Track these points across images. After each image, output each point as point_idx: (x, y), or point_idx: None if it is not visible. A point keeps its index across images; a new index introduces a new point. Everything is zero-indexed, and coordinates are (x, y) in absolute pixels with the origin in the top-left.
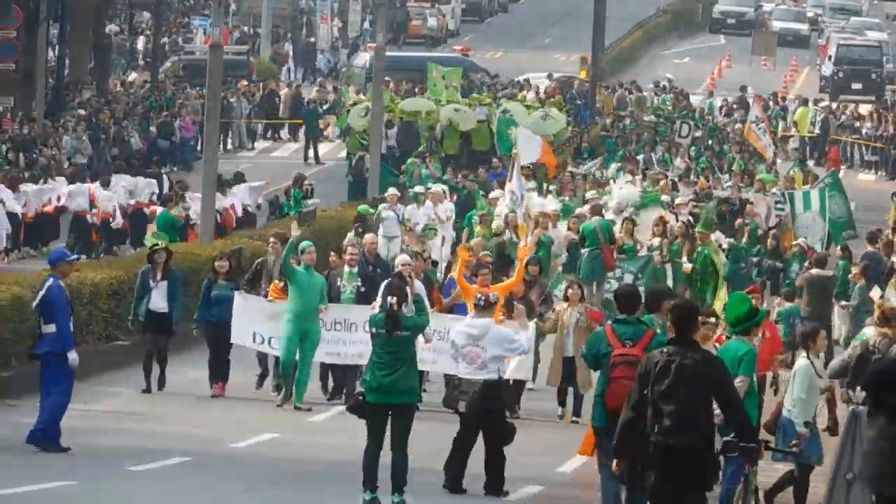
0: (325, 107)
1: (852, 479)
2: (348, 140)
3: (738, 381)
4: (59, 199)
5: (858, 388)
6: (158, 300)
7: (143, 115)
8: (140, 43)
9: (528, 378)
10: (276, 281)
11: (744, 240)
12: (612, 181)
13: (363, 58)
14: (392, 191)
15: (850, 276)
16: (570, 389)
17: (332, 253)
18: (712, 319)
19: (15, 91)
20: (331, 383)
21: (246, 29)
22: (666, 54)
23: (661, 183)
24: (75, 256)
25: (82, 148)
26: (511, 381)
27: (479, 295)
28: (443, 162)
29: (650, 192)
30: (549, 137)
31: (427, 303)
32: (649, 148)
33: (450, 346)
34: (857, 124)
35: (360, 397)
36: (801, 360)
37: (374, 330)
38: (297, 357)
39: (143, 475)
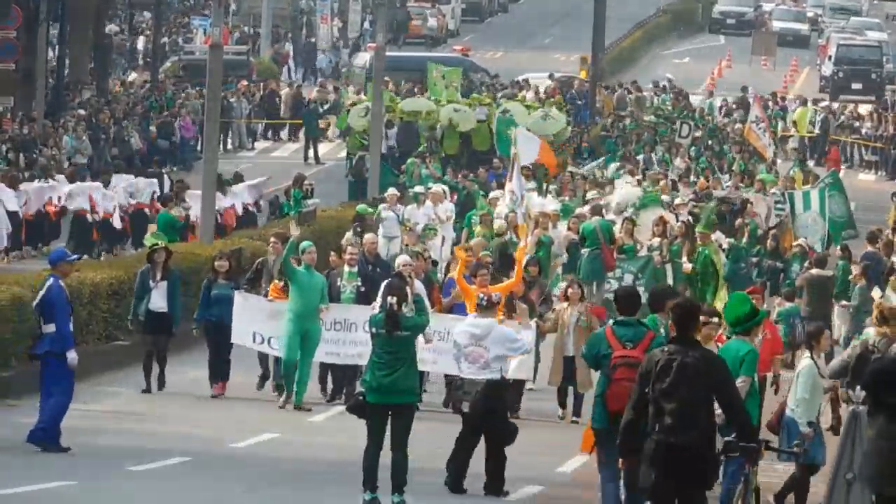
0: (325, 107)
1: (852, 479)
2: (348, 140)
3: (740, 382)
4: (59, 199)
5: (858, 387)
6: (158, 300)
7: (143, 115)
8: (140, 43)
9: (528, 378)
10: (277, 281)
11: (744, 240)
12: (613, 181)
13: (363, 58)
14: (392, 191)
15: (850, 276)
16: (571, 389)
17: (332, 253)
18: (715, 319)
19: (15, 91)
20: (330, 385)
21: (246, 29)
22: (666, 54)
23: (661, 183)
24: (76, 256)
25: (82, 148)
26: (511, 381)
27: (481, 295)
28: (443, 162)
29: (650, 192)
30: (549, 137)
31: (427, 303)
32: (649, 148)
33: (452, 347)
34: (857, 124)
35: (360, 397)
36: (805, 360)
37: (374, 330)
38: (298, 357)
39: (143, 475)
